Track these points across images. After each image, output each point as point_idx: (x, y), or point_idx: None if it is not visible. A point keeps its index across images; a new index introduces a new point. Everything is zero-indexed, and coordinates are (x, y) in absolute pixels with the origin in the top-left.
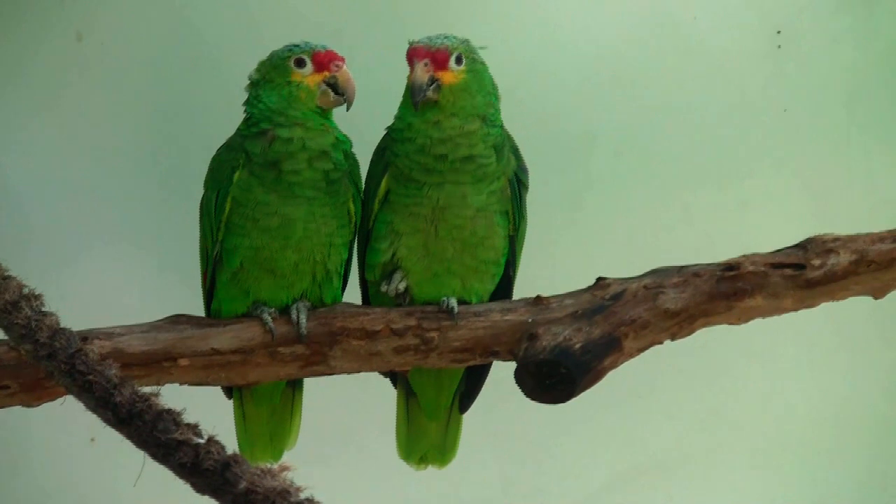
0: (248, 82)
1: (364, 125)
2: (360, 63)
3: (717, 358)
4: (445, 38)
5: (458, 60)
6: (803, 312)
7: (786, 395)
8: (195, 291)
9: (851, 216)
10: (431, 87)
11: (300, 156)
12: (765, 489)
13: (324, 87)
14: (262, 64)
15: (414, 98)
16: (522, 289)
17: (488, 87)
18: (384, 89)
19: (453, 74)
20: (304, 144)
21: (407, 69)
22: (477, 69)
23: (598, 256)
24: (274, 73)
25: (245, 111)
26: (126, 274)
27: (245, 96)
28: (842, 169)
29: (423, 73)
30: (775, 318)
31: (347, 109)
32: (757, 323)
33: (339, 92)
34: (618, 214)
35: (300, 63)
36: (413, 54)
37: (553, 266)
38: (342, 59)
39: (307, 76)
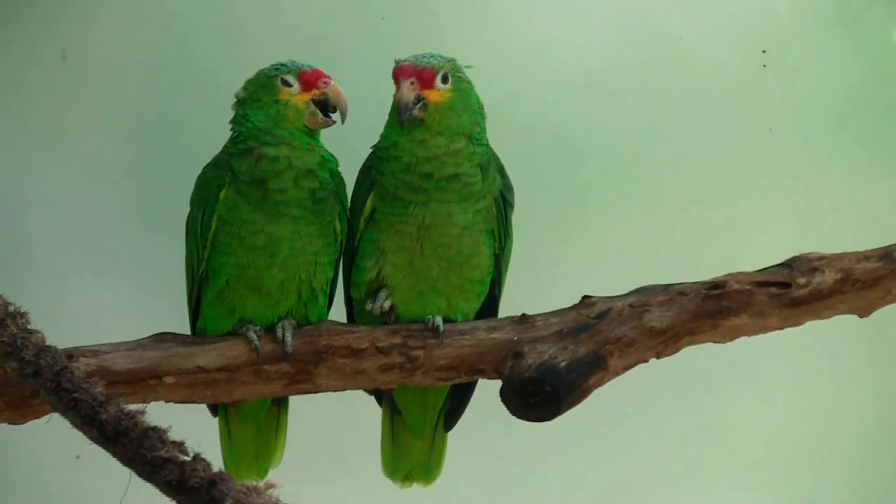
0: (235, 100)
1: (350, 142)
2: (348, 78)
3: (704, 376)
4: (431, 56)
5: (445, 79)
6: (790, 330)
7: (773, 412)
8: (179, 311)
9: (837, 235)
10: (417, 106)
11: (286, 175)
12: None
13: (312, 107)
14: (250, 82)
15: (400, 116)
16: (508, 307)
17: (474, 105)
18: (371, 106)
19: (439, 93)
20: (291, 163)
21: (393, 87)
22: (463, 88)
23: (584, 275)
24: (261, 91)
25: (231, 129)
26: (110, 293)
27: (232, 115)
28: (827, 188)
29: (409, 91)
30: (761, 336)
31: (342, 123)
32: (743, 341)
33: (331, 109)
34: (604, 232)
35: (286, 83)
36: (399, 73)
37: (538, 284)
38: (329, 77)
39: (294, 95)
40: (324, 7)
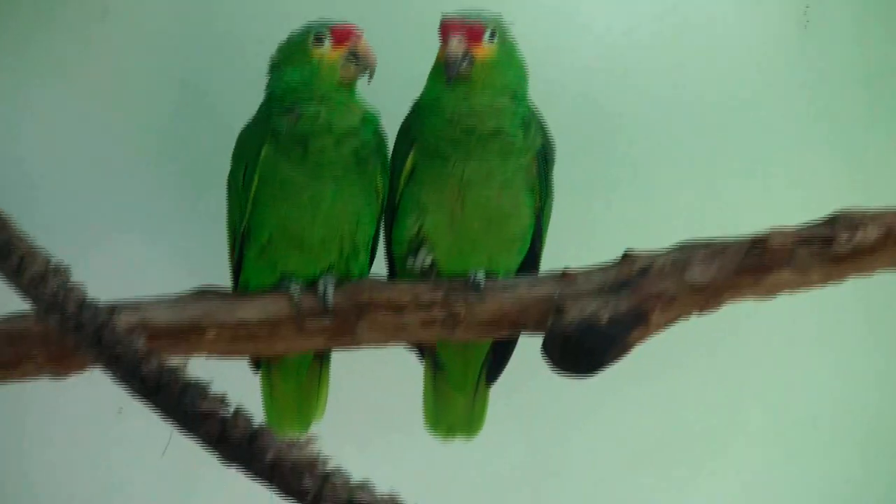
0: (269, 65)
1: (389, 99)
2: (386, 34)
3: (745, 332)
4: (480, 12)
5: (492, 36)
6: (831, 288)
7: (815, 369)
8: (219, 269)
9: (878, 192)
10: (465, 62)
11: (326, 135)
12: (790, 468)
13: (344, 59)
14: (282, 47)
15: (448, 72)
16: (549, 263)
17: (518, 63)
18: (409, 62)
19: (487, 50)
20: (331, 124)
21: (430, 43)
22: (509, 45)
23: (626, 231)
24: (294, 53)
25: (266, 91)
26: (149, 250)
27: (266, 81)
28: (870, 143)
29: (457, 46)
30: (803, 292)
31: (369, 81)
32: (783, 299)
33: (360, 63)
34: (645, 188)
35: (319, 40)
36: (448, 28)
37: (580, 241)
38: (361, 32)
39: (328, 52)
40: None
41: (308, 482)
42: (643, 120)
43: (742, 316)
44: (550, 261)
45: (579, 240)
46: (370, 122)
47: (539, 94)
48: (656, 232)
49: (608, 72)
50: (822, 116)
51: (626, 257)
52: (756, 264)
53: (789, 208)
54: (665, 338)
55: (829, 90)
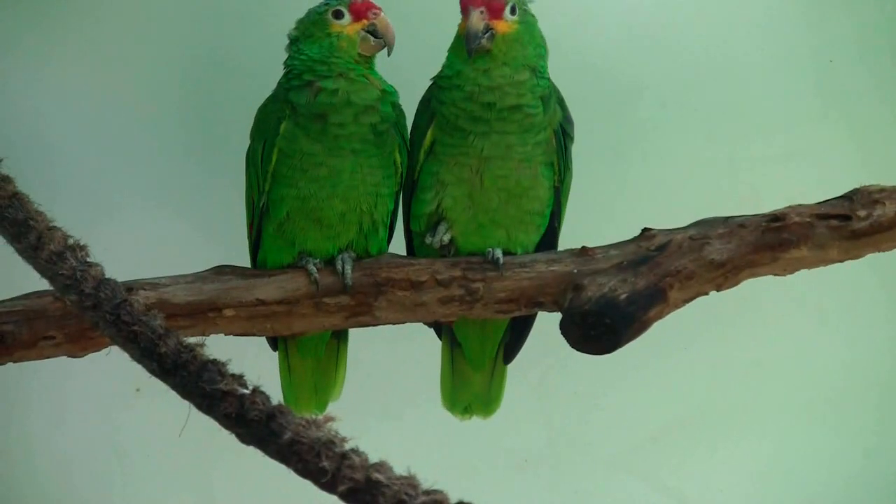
0: (288, 40)
1: (407, 74)
2: (406, 10)
3: (763, 309)
4: None
5: (513, 10)
6: (849, 264)
7: (832, 346)
8: (239, 245)
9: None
10: (486, 36)
11: (346, 110)
12: (809, 440)
13: (363, 33)
14: (301, 21)
15: (468, 45)
16: (567, 240)
17: (538, 38)
18: (428, 36)
19: (507, 24)
20: (350, 98)
21: (448, 18)
22: (529, 20)
23: (644, 208)
24: (313, 28)
25: (285, 67)
26: (167, 228)
27: (285, 56)
28: (888, 120)
29: (478, 20)
30: (821, 269)
31: (388, 55)
32: (802, 274)
33: (379, 38)
34: (663, 166)
35: (338, 15)
36: (468, 2)
37: (598, 217)
38: (379, 8)
39: (346, 26)
40: None
41: (325, 462)
42: (662, 97)
43: (760, 290)
44: (568, 238)
45: (598, 216)
46: (389, 96)
47: (557, 69)
48: (675, 208)
49: (626, 47)
50: (843, 89)
51: (645, 234)
52: (774, 241)
53: (810, 185)
54: (683, 313)
55: (850, 61)
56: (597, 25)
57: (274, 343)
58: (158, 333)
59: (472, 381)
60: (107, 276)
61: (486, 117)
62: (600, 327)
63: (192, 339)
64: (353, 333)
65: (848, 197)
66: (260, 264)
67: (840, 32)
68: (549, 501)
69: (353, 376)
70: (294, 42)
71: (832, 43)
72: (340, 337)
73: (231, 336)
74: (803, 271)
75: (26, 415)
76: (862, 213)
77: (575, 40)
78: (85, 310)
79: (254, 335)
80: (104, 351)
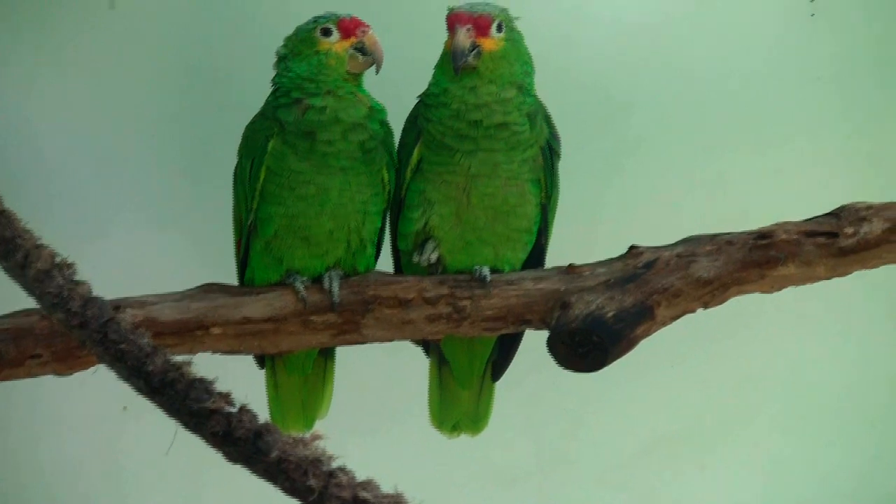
0: (276, 58)
1: (394, 91)
2: (392, 27)
3: (750, 326)
4: (487, 4)
5: (499, 28)
6: (838, 280)
7: (820, 361)
8: (226, 263)
9: (884, 184)
10: (472, 53)
11: (334, 128)
12: (798, 456)
13: (352, 51)
14: (289, 39)
15: (455, 63)
16: (555, 258)
17: (525, 56)
18: (415, 54)
19: (494, 42)
20: (338, 116)
21: (435, 36)
22: (515, 38)
23: (632, 225)
24: (301, 45)
25: (273, 84)
26: (155, 245)
27: (273, 74)
28: (875, 137)
29: (465, 38)
30: (809, 285)
31: (377, 73)
32: (790, 290)
33: (367, 56)
34: (652, 182)
35: (327, 32)
36: (455, 19)
37: (585, 235)
38: (368, 26)
39: (335, 44)
40: None
41: (313, 480)
42: (651, 112)
43: (748, 305)
44: (556, 255)
45: (585, 233)
46: (378, 113)
47: (547, 85)
48: (662, 225)
49: (617, 63)
50: (831, 106)
51: (632, 251)
52: (762, 258)
53: (798, 201)
54: (671, 329)
55: (838, 79)
56: (586, 42)
57: (261, 361)
58: (146, 352)
59: (460, 399)
60: (94, 295)
61: (473, 135)
62: (588, 345)
63: (179, 358)
64: (341, 351)
65: (835, 214)
66: (247, 282)
67: (828, 50)
68: None
69: (341, 394)
70: (282, 59)
71: (819, 60)
72: (328, 354)
73: (218, 354)
74: (791, 287)
75: (12, 433)
76: (849, 230)
77: (565, 57)
78: (72, 328)
79: (241, 353)
80: (91, 369)
